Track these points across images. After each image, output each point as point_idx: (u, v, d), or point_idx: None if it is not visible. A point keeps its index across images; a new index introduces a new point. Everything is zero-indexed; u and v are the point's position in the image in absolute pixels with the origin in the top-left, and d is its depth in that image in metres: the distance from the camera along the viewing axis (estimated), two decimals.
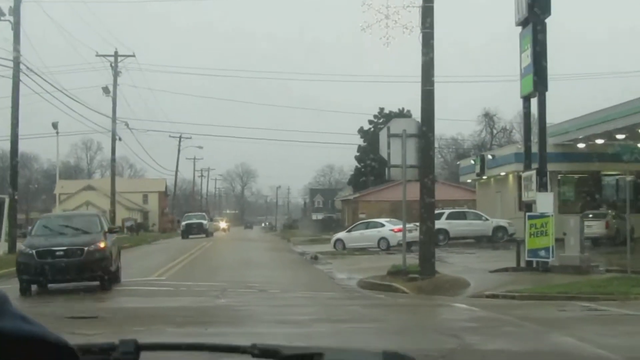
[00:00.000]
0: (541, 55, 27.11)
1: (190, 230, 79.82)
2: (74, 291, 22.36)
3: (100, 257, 22.78)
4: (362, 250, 45.04)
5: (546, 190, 27.42)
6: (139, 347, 2.11)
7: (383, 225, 48.79)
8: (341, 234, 51.40)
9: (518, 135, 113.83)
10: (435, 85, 24.93)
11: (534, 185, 27.51)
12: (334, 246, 48.54)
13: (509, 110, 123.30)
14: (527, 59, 27.90)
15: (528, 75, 27.83)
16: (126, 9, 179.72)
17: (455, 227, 50.60)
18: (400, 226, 48.43)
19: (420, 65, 25.19)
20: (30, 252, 22.60)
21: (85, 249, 22.64)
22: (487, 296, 22.04)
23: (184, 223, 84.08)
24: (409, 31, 25.10)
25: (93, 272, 22.78)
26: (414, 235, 47.51)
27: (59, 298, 21.27)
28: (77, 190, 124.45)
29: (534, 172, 27.68)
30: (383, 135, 26.20)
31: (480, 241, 50.24)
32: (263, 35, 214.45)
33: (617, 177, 52.74)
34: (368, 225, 50.24)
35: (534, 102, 28.25)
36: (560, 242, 27.02)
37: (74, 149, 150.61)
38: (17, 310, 1.47)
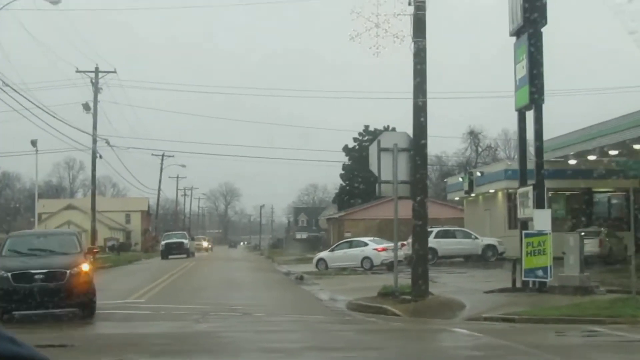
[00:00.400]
0: (537, 65, 26.01)
1: (170, 250, 75.41)
2: (44, 317, 20.55)
3: (84, 281, 20.25)
4: (346, 270, 43.86)
5: (543, 206, 26.24)
6: None
7: (366, 245, 47.74)
8: (323, 254, 50.24)
9: (502, 154, 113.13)
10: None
11: (530, 202, 26.34)
12: (316, 266, 47.30)
13: (494, 128, 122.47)
14: (522, 70, 26.79)
15: (523, 87, 26.70)
16: (108, 24, 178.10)
17: (444, 245, 49.44)
18: (384, 245, 47.99)
19: (411, 78, 24.08)
20: (5, 275, 19.70)
21: (68, 272, 19.99)
22: (485, 319, 20.86)
23: (163, 242, 79.63)
24: (400, 40, 23.95)
25: (77, 298, 20.19)
26: (399, 254, 46.65)
27: (27, 325, 19.37)
28: (58, 209, 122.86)
29: (530, 188, 26.51)
30: (373, 149, 24.98)
31: (469, 260, 49.11)
32: (247, 52, 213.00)
33: (609, 194, 51.81)
34: (351, 245, 49.12)
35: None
36: (556, 260, 25.88)
37: (57, 168, 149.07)
38: (6, 332, 1.46)
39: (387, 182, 24.36)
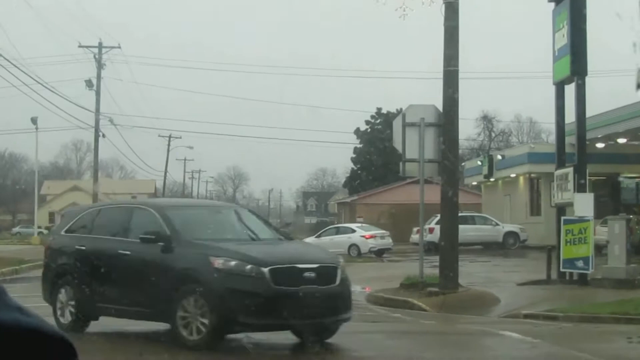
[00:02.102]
0: (580, 33, 23.39)
1: None
2: None
3: (350, 284, 13.94)
4: (361, 257, 42.16)
5: (585, 190, 23.65)
6: None
7: (354, 231, 46.21)
8: (309, 239, 48.16)
9: (515, 139, 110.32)
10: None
11: (570, 185, 23.81)
12: None
13: (506, 113, 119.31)
14: (563, 39, 24.18)
15: (563, 58, 24.13)
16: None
17: (463, 232, 46.45)
18: (372, 232, 46.08)
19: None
20: (259, 271, 12.14)
21: (339, 269, 13.21)
22: (525, 316, 18.35)
23: None
24: (430, 1, 21.35)
25: (345, 311, 13.08)
26: (386, 242, 45.22)
27: None
28: (63, 191, 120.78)
29: (570, 170, 23.98)
30: (397, 124, 22.43)
31: (489, 248, 46.61)
32: (257, 28, 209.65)
33: (637, 179, 49.17)
34: (338, 231, 47.68)
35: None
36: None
37: (64, 150, 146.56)
38: (14, 301, 1.43)
39: (412, 160, 21.80)
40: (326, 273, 12.70)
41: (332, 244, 44.58)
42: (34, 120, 59.41)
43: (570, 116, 25.76)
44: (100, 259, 13.84)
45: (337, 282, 12.84)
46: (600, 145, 44.39)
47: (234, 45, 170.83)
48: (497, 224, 48.61)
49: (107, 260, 13.71)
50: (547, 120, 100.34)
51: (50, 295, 14.65)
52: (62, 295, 14.27)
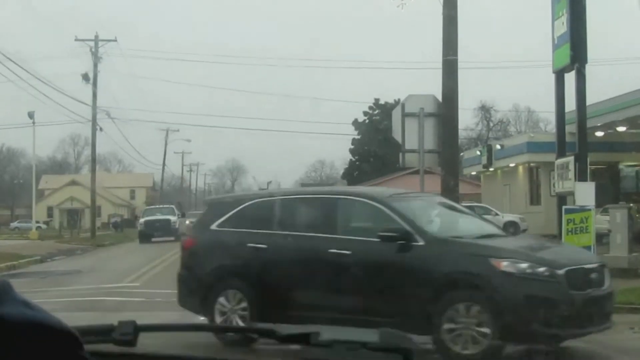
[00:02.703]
0: (580, 20, 23.20)
1: (151, 231, 55.14)
2: None
3: None
4: None
5: (586, 179, 23.51)
6: (138, 329, 2.10)
7: None
8: None
9: (514, 129, 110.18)
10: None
11: (571, 174, 23.66)
12: None
13: (504, 102, 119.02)
14: (562, 27, 24.00)
15: (563, 46, 23.93)
16: None
17: None
18: None
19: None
20: (554, 273, 10.83)
21: (607, 268, 12.19)
22: None
23: (142, 220, 58.10)
24: None
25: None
26: None
27: None
28: (61, 185, 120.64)
29: (571, 159, 23.81)
30: (396, 114, 22.25)
31: None
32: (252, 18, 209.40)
33: (637, 168, 49.06)
34: None
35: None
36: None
37: (62, 145, 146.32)
38: (20, 295, 1.45)
39: (411, 151, 21.63)
40: (602, 273, 11.52)
41: None
42: (31, 115, 59.31)
43: (569, 105, 25.65)
44: (299, 260, 11.96)
45: (609, 282, 11.69)
46: (599, 133, 44.29)
47: (232, 37, 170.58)
48: (497, 214, 48.56)
49: (311, 262, 11.84)
50: (545, 109, 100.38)
51: (203, 302, 12.66)
52: (230, 301, 12.39)
